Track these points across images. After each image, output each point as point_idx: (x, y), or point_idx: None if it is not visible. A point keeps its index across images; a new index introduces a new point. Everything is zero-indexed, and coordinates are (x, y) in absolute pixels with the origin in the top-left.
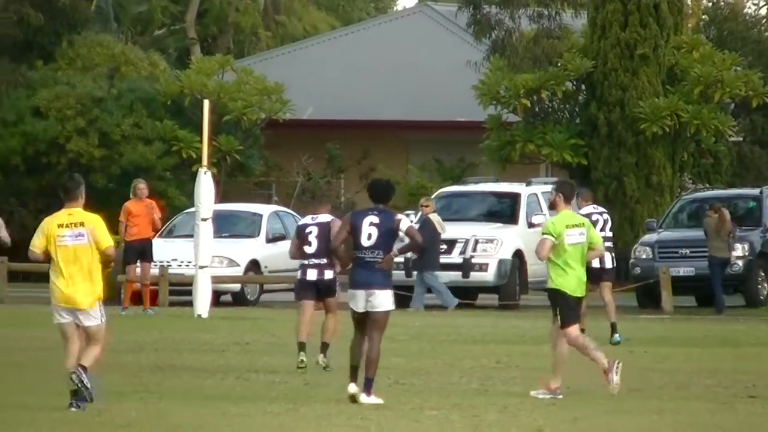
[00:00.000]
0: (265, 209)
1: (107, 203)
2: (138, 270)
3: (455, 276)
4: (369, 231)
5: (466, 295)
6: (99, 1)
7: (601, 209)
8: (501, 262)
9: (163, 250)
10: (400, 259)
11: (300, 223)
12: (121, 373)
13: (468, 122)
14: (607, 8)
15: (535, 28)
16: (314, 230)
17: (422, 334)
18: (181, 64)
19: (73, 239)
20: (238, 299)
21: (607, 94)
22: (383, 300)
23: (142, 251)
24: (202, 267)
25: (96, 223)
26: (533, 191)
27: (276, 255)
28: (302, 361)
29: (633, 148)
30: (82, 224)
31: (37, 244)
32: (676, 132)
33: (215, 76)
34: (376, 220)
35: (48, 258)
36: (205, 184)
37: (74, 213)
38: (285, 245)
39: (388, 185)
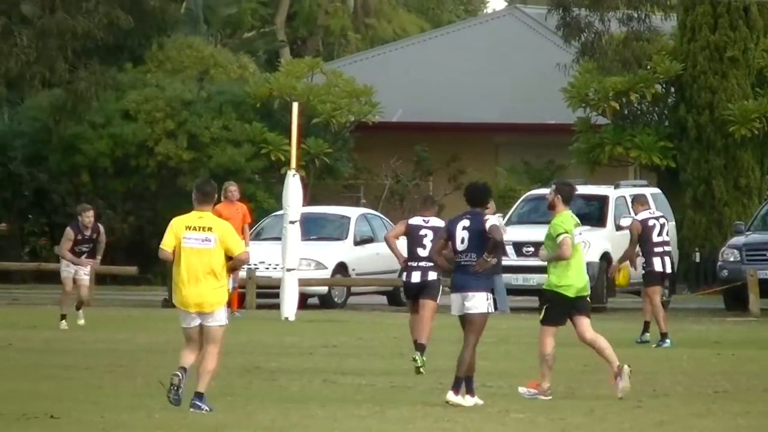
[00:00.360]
0: (353, 212)
1: None
2: None
3: (542, 278)
4: (462, 235)
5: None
6: (189, 4)
7: (658, 214)
8: (588, 264)
9: (251, 252)
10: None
11: (412, 222)
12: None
13: (557, 125)
14: (696, 11)
15: (624, 31)
16: (429, 234)
17: (509, 336)
18: (271, 66)
19: (199, 242)
20: (326, 302)
21: (697, 96)
22: (477, 302)
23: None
24: (289, 270)
25: (226, 230)
26: (621, 194)
27: (364, 258)
28: (414, 359)
29: (722, 151)
30: (210, 229)
31: (167, 244)
32: (765, 134)
33: (304, 78)
34: (467, 223)
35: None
36: (294, 186)
37: (204, 217)
38: (373, 248)
39: (483, 189)
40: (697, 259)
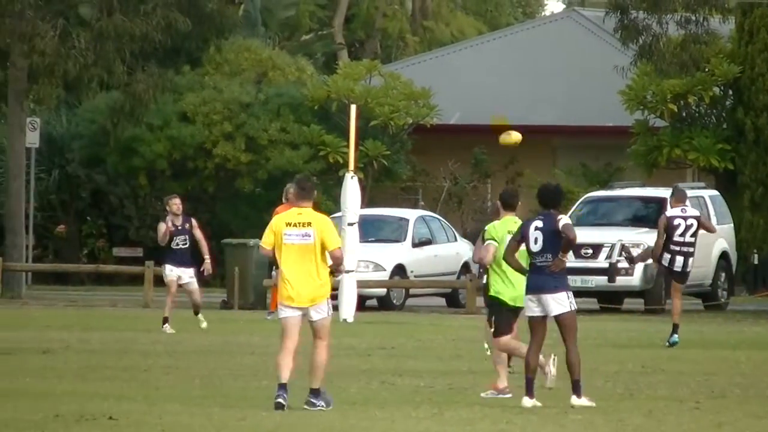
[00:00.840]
0: (411, 214)
1: (254, 207)
2: None
3: (601, 280)
4: (535, 236)
5: (612, 299)
6: (247, 6)
7: (690, 213)
8: (647, 266)
9: None
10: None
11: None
12: (268, 378)
13: (615, 127)
14: (754, 13)
15: (682, 34)
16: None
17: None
18: (328, 68)
19: (300, 238)
20: (384, 303)
21: (755, 99)
22: (556, 303)
23: None
24: (348, 272)
25: (325, 224)
26: None
27: (422, 259)
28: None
29: None
30: (309, 224)
31: (267, 242)
32: None
33: (362, 80)
34: (540, 224)
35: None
36: (352, 188)
37: (304, 213)
38: (431, 250)
39: (556, 190)
40: (756, 261)
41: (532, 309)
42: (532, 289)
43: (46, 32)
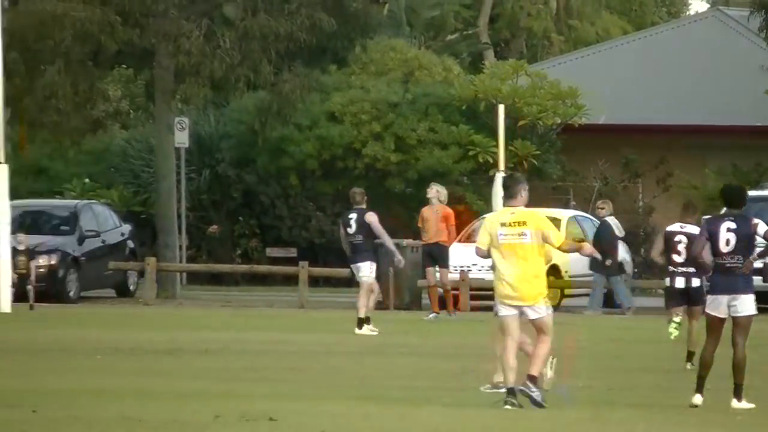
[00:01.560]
0: (564, 214)
1: (406, 207)
2: (437, 274)
3: (756, 280)
4: (727, 237)
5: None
6: (391, 6)
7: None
8: None
9: (463, 254)
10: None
11: (668, 229)
12: (424, 378)
13: (765, 126)
14: None
15: None
16: (683, 240)
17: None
18: (475, 68)
19: (516, 238)
20: None
21: None
22: (747, 305)
23: (436, 256)
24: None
25: (542, 222)
26: None
27: (575, 260)
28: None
29: None
30: (524, 224)
31: (482, 242)
32: None
33: (509, 80)
34: (732, 225)
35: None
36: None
37: (516, 212)
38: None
39: (741, 190)
40: None
41: (718, 309)
42: (722, 289)
43: (191, 32)
